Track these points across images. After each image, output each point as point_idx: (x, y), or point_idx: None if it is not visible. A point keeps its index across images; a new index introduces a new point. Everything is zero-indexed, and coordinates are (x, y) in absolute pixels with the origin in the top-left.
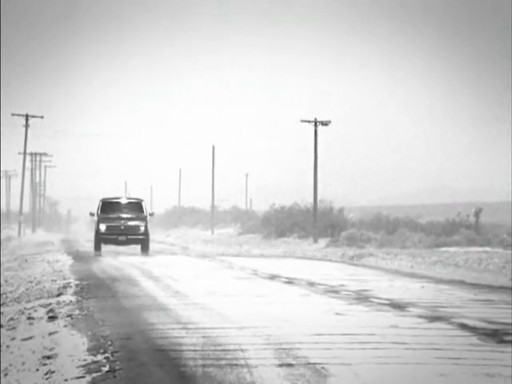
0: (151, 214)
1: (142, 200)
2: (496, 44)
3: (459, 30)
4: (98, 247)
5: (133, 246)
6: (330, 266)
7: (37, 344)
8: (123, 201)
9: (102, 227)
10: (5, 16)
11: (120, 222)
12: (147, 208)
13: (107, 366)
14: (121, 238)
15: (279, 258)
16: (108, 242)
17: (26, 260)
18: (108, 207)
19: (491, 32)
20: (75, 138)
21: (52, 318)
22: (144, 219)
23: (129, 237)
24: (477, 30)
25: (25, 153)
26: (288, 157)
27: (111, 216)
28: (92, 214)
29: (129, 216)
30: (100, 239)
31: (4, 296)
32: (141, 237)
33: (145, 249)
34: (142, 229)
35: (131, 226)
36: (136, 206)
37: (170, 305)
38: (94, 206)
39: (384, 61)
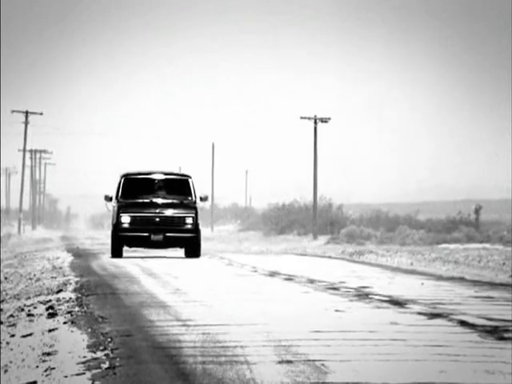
0: (203, 199)
1: (189, 176)
2: (497, 42)
3: (460, 28)
4: (117, 251)
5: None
6: (329, 263)
7: (36, 341)
8: (159, 177)
9: (125, 219)
10: (5, 15)
11: (154, 212)
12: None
13: (107, 363)
14: (155, 236)
15: (279, 255)
16: (134, 243)
17: (26, 257)
18: (134, 187)
19: (494, 31)
20: (75, 136)
21: (52, 315)
22: (193, 207)
23: (168, 235)
24: (478, 28)
25: (24, 150)
26: (288, 154)
27: (139, 201)
28: (108, 198)
29: (168, 201)
30: (121, 238)
31: (4, 293)
32: (188, 235)
33: (194, 253)
34: (190, 222)
35: (172, 218)
36: (180, 186)
37: (170, 302)
38: (95, 205)
39: (385, 58)
